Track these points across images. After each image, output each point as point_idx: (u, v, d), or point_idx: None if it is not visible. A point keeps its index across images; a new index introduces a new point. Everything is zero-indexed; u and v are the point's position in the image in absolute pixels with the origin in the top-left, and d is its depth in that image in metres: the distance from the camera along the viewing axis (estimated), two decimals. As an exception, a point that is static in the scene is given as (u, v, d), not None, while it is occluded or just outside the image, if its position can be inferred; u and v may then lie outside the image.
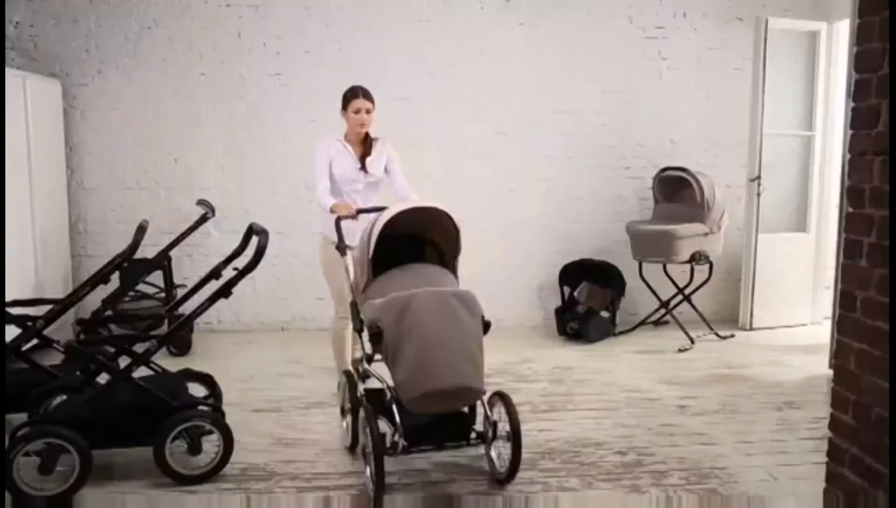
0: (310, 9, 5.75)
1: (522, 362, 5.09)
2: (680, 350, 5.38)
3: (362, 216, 3.83)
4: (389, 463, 3.14)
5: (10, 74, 4.79)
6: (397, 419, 3.07)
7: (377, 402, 3.21)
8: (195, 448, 3.20)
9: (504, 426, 3.14)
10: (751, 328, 5.94)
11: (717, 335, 5.72)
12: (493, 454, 3.26)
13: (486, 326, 3.08)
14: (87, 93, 5.70)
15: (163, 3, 5.67)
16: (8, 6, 5.51)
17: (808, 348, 5.44)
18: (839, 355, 2.55)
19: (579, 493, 3.14)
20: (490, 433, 3.21)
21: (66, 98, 5.65)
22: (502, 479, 3.19)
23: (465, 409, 3.28)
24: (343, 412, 3.71)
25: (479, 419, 3.29)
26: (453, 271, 3.44)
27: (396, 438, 3.06)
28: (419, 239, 3.43)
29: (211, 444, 3.24)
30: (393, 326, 2.96)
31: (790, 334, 5.86)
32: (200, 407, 3.35)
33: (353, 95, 4.14)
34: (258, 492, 3.14)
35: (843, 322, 2.53)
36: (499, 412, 3.20)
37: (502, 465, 3.20)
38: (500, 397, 3.21)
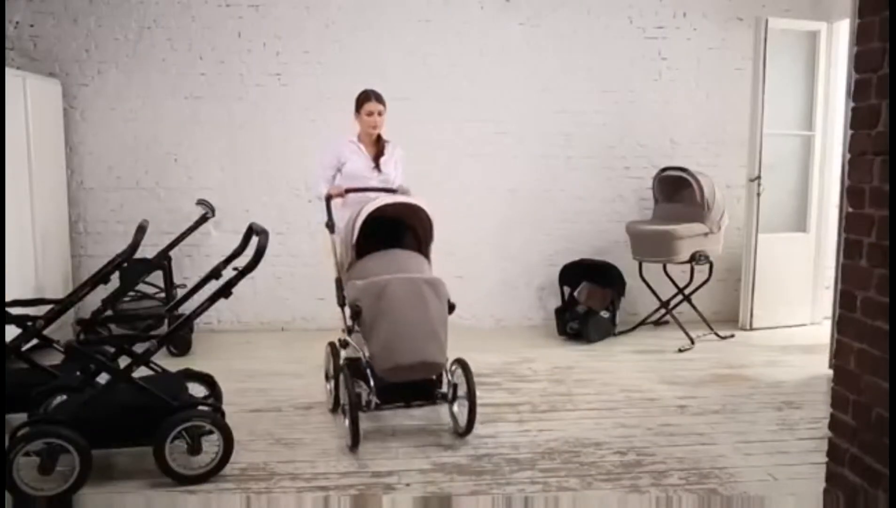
0: (310, 9, 5.75)
1: (522, 362, 5.09)
2: (680, 350, 5.38)
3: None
4: (388, 462, 3.29)
5: (10, 74, 4.79)
6: (371, 382, 3.58)
7: (355, 368, 3.71)
8: (195, 448, 3.20)
9: (462, 389, 3.64)
10: (751, 328, 5.94)
11: (717, 335, 5.72)
12: (455, 410, 3.74)
13: (451, 308, 3.64)
14: (87, 93, 5.70)
15: (163, 3, 5.67)
16: (8, 6, 5.51)
17: (808, 348, 5.44)
18: (839, 355, 2.56)
19: (579, 493, 3.14)
20: (451, 394, 3.70)
21: (66, 98, 5.65)
22: (461, 433, 3.68)
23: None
24: (327, 377, 4.22)
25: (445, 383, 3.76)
26: (427, 256, 3.94)
27: (370, 397, 3.58)
28: (399, 227, 3.93)
29: (211, 444, 3.23)
30: (371, 306, 3.52)
31: (790, 334, 5.86)
32: (200, 407, 3.35)
33: (366, 98, 4.34)
34: (258, 492, 3.14)
35: (843, 322, 2.53)
36: (459, 377, 3.67)
37: (462, 421, 3.67)
38: (460, 363, 3.68)
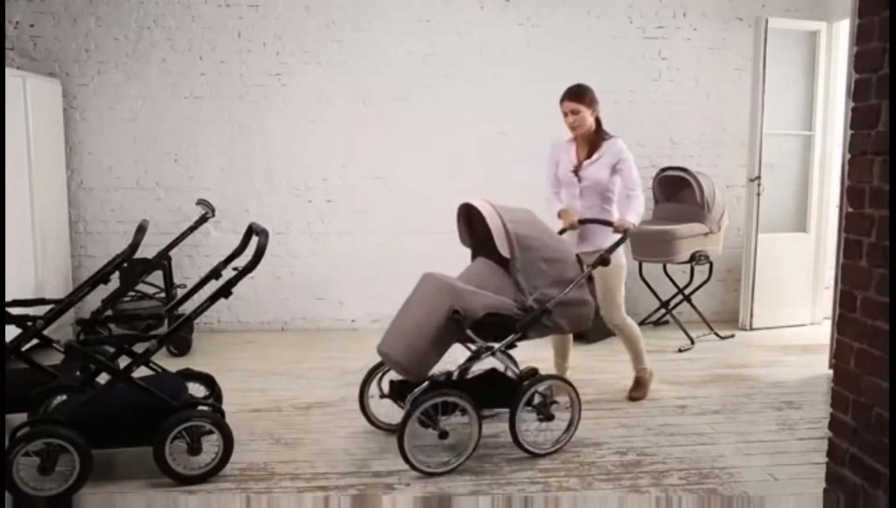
0: (310, 9, 5.75)
1: (522, 362, 5.07)
2: (680, 350, 5.38)
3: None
4: (388, 462, 3.30)
5: (10, 74, 4.79)
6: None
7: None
8: (195, 448, 3.20)
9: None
10: (751, 328, 5.94)
11: (717, 335, 5.72)
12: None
13: (454, 317, 3.23)
14: (87, 93, 5.70)
15: (163, 3, 5.67)
16: (8, 6, 5.51)
17: (808, 348, 5.44)
18: (839, 355, 2.56)
19: (579, 493, 3.14)
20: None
21: (66, 98, 5.65)
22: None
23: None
24: None
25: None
26: (508, 270, 3.44)
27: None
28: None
29: (211, 444, 3.23)
30: None
31: (790, 334, 5.86)
32: (200, 407, 3.35)
33: (561, 98, 4.03)
34: (258, 492, 3.14)
35: (843, 322, 2.53)
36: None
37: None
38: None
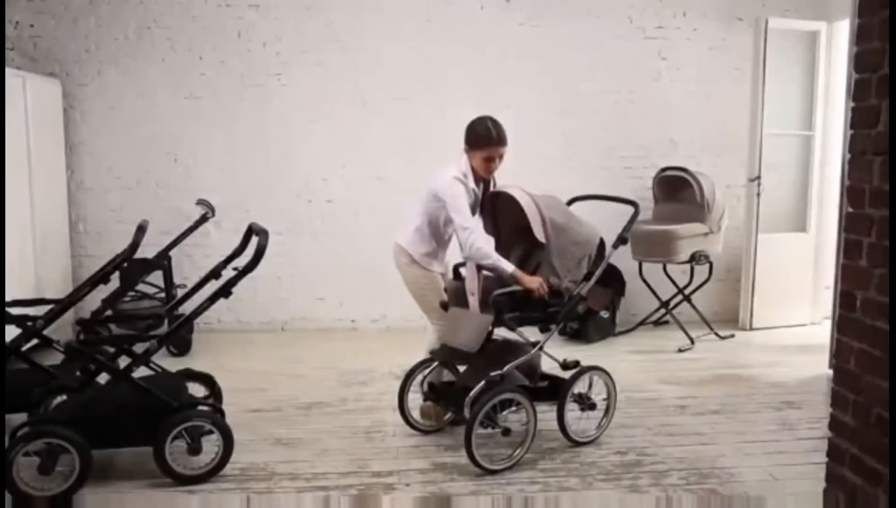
0: (310, 9, 5.75)
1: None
2: (680, 350, 5.38)
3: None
4: (388, 462, 3.30)
5: (10, 74, 4.79)
6: None
7: None
8: (195, 448, 3.20)
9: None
10: (751, 328, 5.94)
11: (717, 335, 5.72)
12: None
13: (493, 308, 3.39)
14: (87, 93, 5.70)
15: (163, 3, 5.67)
16: (8, 6, 5.51)
17: (808, 348, 5.44)
18: (839, 355, 2.56)
19: (579, 493, 3.14)
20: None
21: (66, 98, 5.65)
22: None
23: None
24: None
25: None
26: (544, 254, 3.69)
27: None
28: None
29: (211, 444, 3.23)
30: None
31: (790, 334, 5.86)
32: (200, 407, 3.35)
33: (486, 140, 3.85)
34: (258, 492, 3.14)
35: (843, 322, 2.53)
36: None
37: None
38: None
